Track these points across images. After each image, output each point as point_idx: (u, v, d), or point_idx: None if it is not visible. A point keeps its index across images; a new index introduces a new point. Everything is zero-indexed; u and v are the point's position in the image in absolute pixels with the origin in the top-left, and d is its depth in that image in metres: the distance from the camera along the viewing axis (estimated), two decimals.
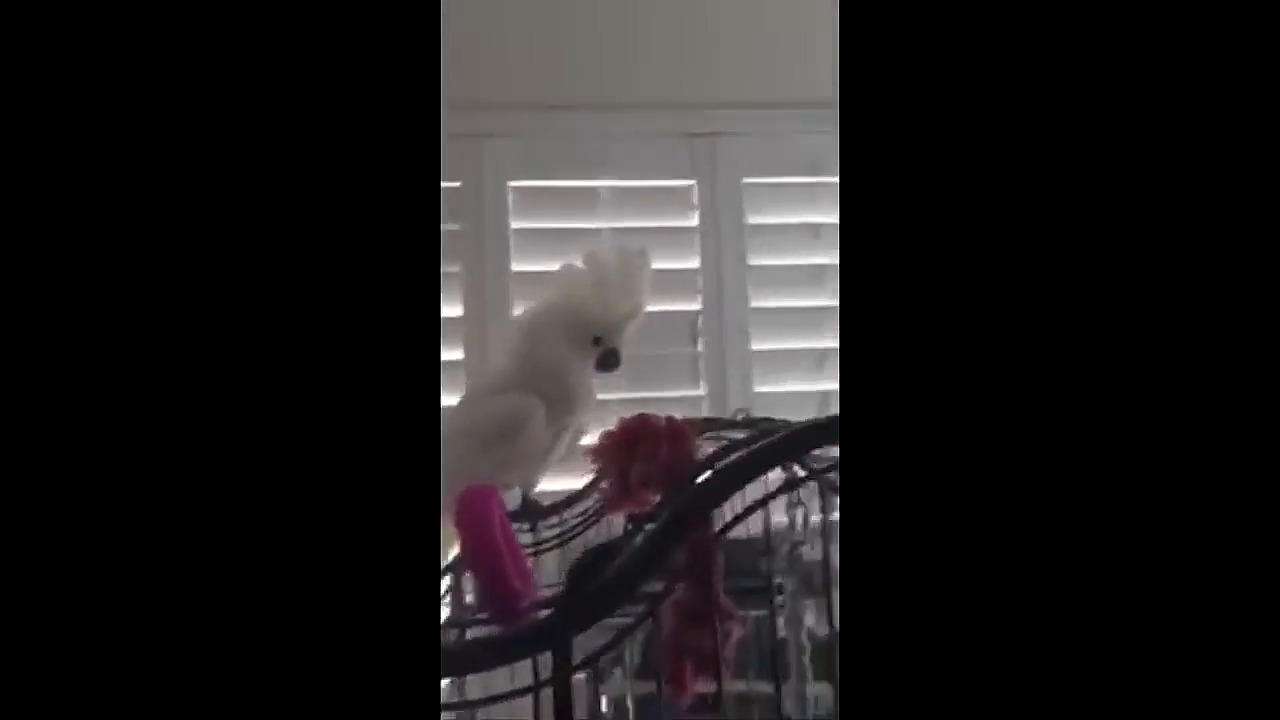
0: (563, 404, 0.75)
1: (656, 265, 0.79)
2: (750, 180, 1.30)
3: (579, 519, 0.80)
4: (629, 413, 0.80)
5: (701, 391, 1.26)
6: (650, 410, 0.78)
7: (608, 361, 0.76)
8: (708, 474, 0.43)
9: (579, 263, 0.76)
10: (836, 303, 1.17)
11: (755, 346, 1.28)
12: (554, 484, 0.85)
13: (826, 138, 1.28)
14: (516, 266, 1.27)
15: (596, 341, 0.75)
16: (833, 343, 1.27)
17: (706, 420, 0.81)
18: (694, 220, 1.30)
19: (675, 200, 1.31)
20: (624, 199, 1.30)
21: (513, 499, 0.76)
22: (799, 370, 1.28)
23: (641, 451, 0.66)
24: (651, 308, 0.77)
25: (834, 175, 1.19)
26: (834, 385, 1.26)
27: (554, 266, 1.21)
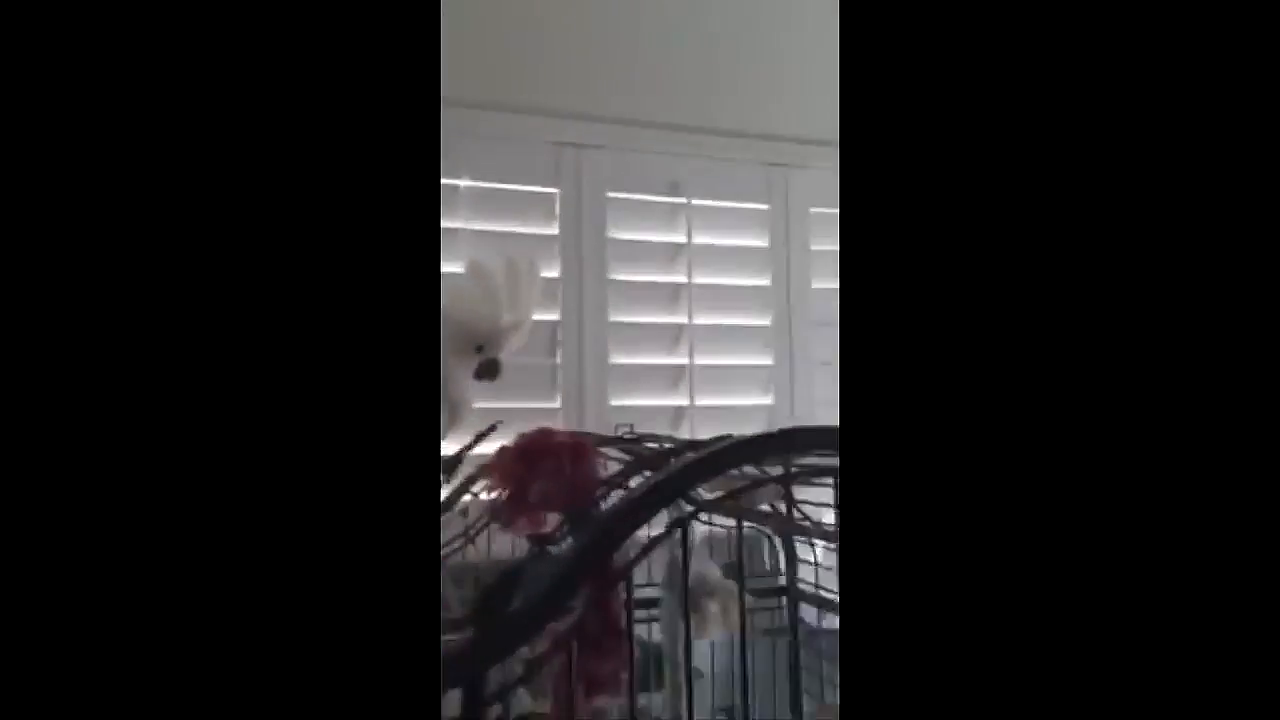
0: (442, 410, 0.71)
1: None
2: (613, 194, 1.31)
3: (459, 536, 0.76)
4: (483, 423, 0.78)
5: (556, 404, 1.25)
6: (502, 419, 0.79)
7: (487, 371, 0.75)
8: (621, 500, 0.42)
9: (463, 270, 0.74)
10: (686, 320, 1.27)
11: (613, 360, 1.28)
12: None
13: (686, 160, 1.34)
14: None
15: (479, 350, 0.74)
16: (684, 359, 1.31)
17: (599, 437, 0.80)
18: (555, 229, 1.28)
19: (538, 207, 1.29)
20: (485, 201, 1.26)
21: None
22: (654, 384, 1.30)
23: (543, 468, 0.64)
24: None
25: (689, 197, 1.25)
26: (685, 400, 1.30)
27: None
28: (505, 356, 0.77)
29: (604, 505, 0.63)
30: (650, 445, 0.78)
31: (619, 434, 0.85)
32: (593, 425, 1.25)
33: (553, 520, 0.65)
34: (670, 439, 0.82)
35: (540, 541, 0.64)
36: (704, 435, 1.26)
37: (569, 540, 0.62)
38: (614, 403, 1.28)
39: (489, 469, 0.67)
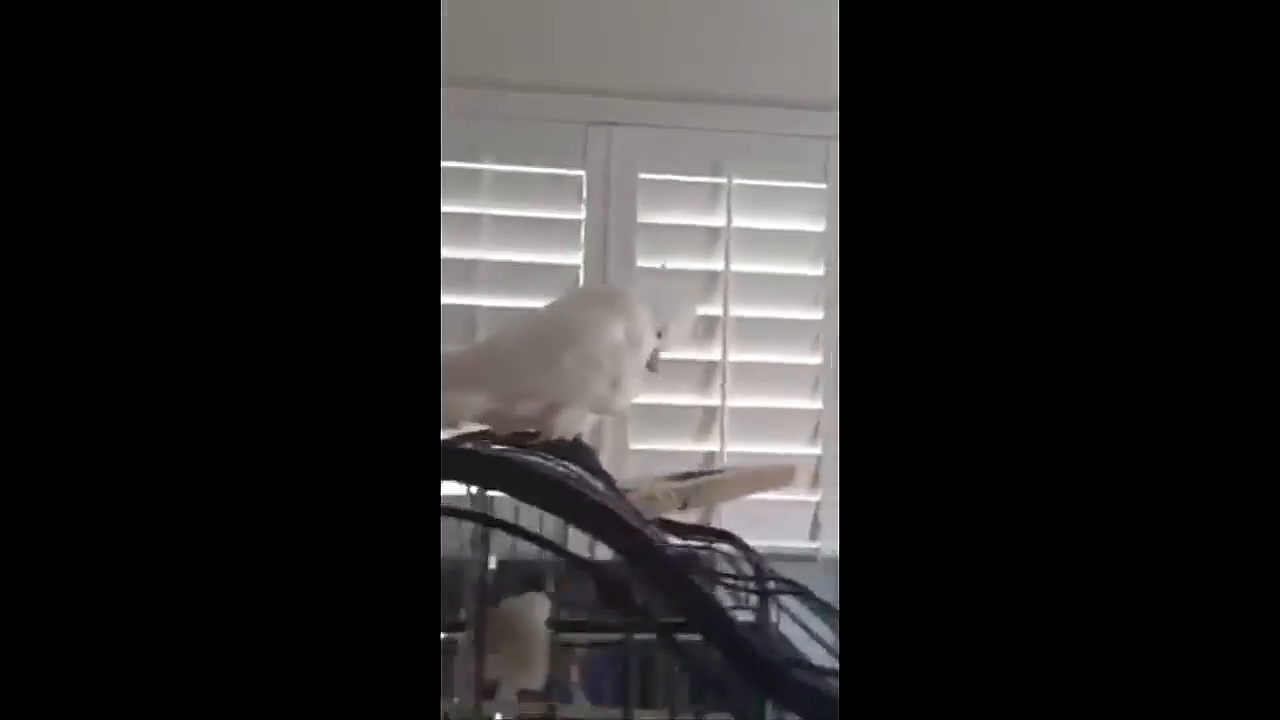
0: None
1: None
2: (646, 175, 1.21)
3: None
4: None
5: None
6: None
7: (656, 359, 0.75)
8: None
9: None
10: (721, 312, 1.16)
11: None
12: None
13: (729, 137, 1.22)
14: None
15: (659, 335, 0.73)
16: (717, 355, 1.19)
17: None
18: (581, 213, 1.20)
19: (563, 190, 1.21)
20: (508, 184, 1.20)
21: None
22: (683, 383, 1.20)
23: None
24: None
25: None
26: (716, 400, 1.19)
27: None
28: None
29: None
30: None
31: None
32: (611, 428, 1.17)
33: None
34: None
35: None
36: (738, 444, 1.19)
37: None
38: (636, 400, 1.19)
39: None
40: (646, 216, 1.21)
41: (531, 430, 0.73)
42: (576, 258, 1.20)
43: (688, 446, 1.19)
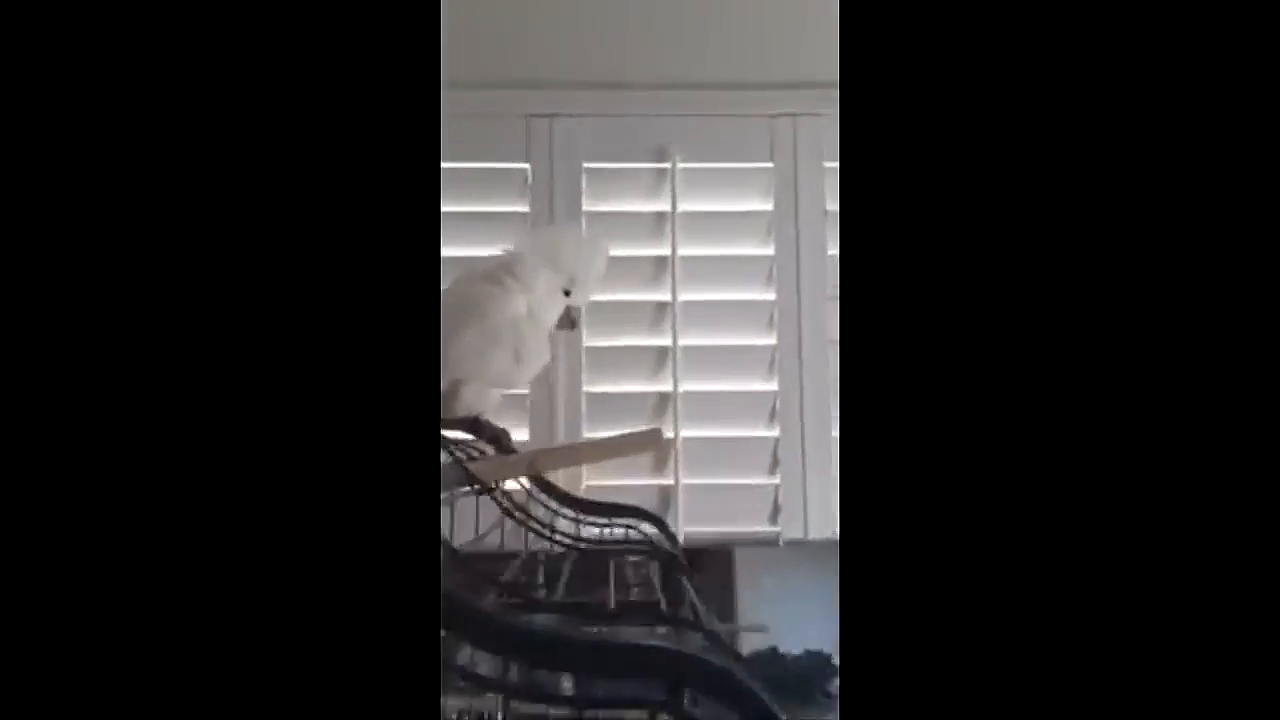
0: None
1: None
2: (591, 165, 1.21)
3: None
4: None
5: (524, 391, 1.18)
6: None
7: (568, 317, 0.81)
8: None
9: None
10: (670, 297, 1.15)
11: (588, 343, 1.19)
12: None
13: (674, 121, 1.21)
14: None
15: (566, 294, 0.80)
16: (668, 340, 1.19)
17: None
18: (525, 206, 1.21)
19: (509, 184, 1.22)
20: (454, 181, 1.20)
21: None
22: (635, 370, 1.20)
23: None
24: None
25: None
26: (668, 386, 1.18)
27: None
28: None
29: None
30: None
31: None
32: (565, 416, 1.17)
33: None
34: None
35: None
36: (693, 428, 1.18)
37: None
38: (589, 389, 1.19)
39: None
40: (592, 205, 1.21)
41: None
42: None
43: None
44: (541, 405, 1.17)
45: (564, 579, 0.51)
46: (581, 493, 1.15)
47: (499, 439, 0.80)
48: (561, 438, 1.16)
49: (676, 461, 1.17)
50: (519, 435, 1.16)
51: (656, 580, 0.58)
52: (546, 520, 0.72)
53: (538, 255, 0.81)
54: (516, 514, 0.54)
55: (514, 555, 0.59)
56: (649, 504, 1.15)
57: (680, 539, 1.17)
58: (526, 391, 1.17)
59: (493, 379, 0.73)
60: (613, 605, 0.46)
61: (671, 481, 1.17)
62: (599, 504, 0.82)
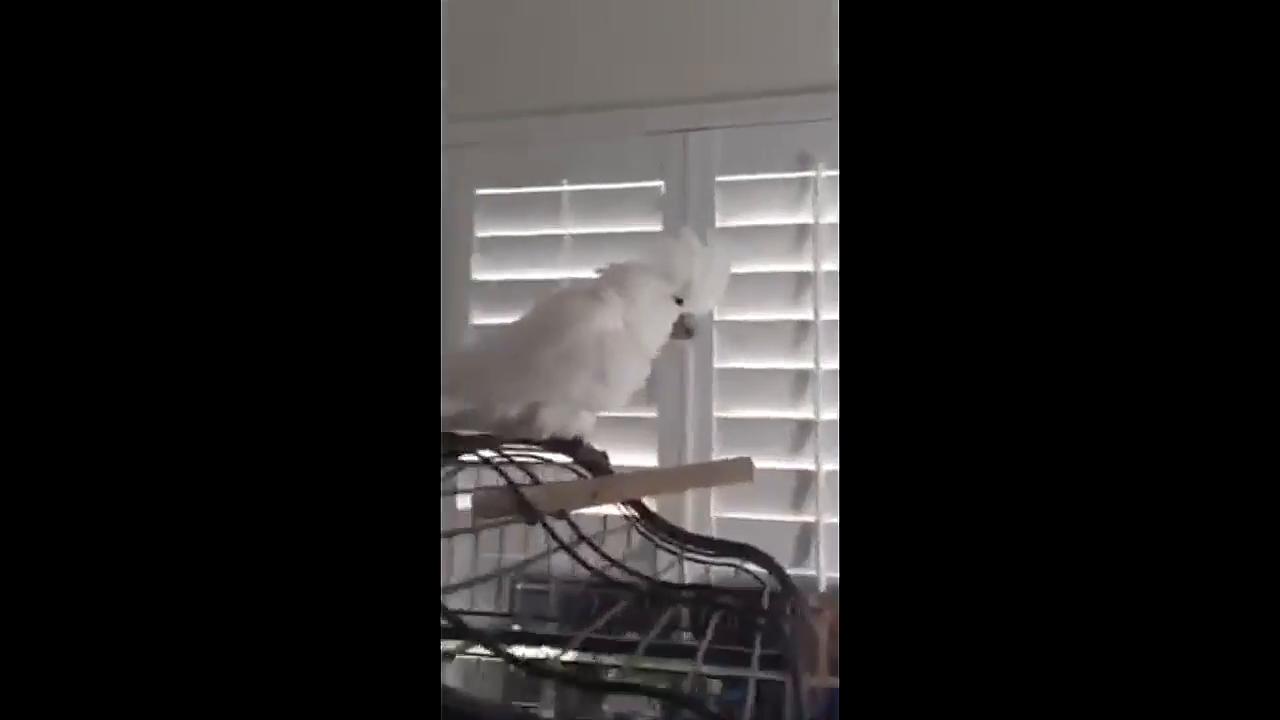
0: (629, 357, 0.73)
1: None
2: (724, 179, 1.15)
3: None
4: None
5: (653, 412, 1.12)
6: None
7: (683, 326, 0.75)
8: None
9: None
10: (813, 316, 1.05)
11: (721, 364, 1.12)
12: None
13: (817, 126, 1.12)
14: (478, 275, 1.22)
15: (679, 302, 0.75)
16: (809, 364, 1.08)
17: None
18: (659, 225, 1.17)
19: (642, 202, 1.18)
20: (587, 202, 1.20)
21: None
22: (772, 394, 1.10)
23: None
24: None
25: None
26: (810, 413, 1.08)
27: (518, 275, 1.17)
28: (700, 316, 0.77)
29: None
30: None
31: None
32: (694, 443, 1.11)
33: None
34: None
35: None
36: (833, 458, 1.06)
37: None
38: (720, 414, 1.11)
39: None
40: (726, 220, 1.15)
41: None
42: None
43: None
44: (671, 430, 1.12)
45: (610, 612, 0.45)
46: (712, 523, 1.08)
47: (597, 463, 0.75)
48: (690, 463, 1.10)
49: (818, 498, 1.07)
50: (648, 460, 1.11)
51: (731, 626, 0.50)
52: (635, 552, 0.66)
53: (647, 265, 0.76)
54: (566, 544, 0.48)
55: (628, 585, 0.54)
56: (787, 542, 1.06)
57: (822, 583, 1.05)
58: (655, 415, 1.12)
59: (576, 401, 0.68)
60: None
61: (813, 519, 1.06)
62: (703, 538, 0.75)
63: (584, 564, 0.49)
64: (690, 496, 1.09)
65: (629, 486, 0.54)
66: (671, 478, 0.60)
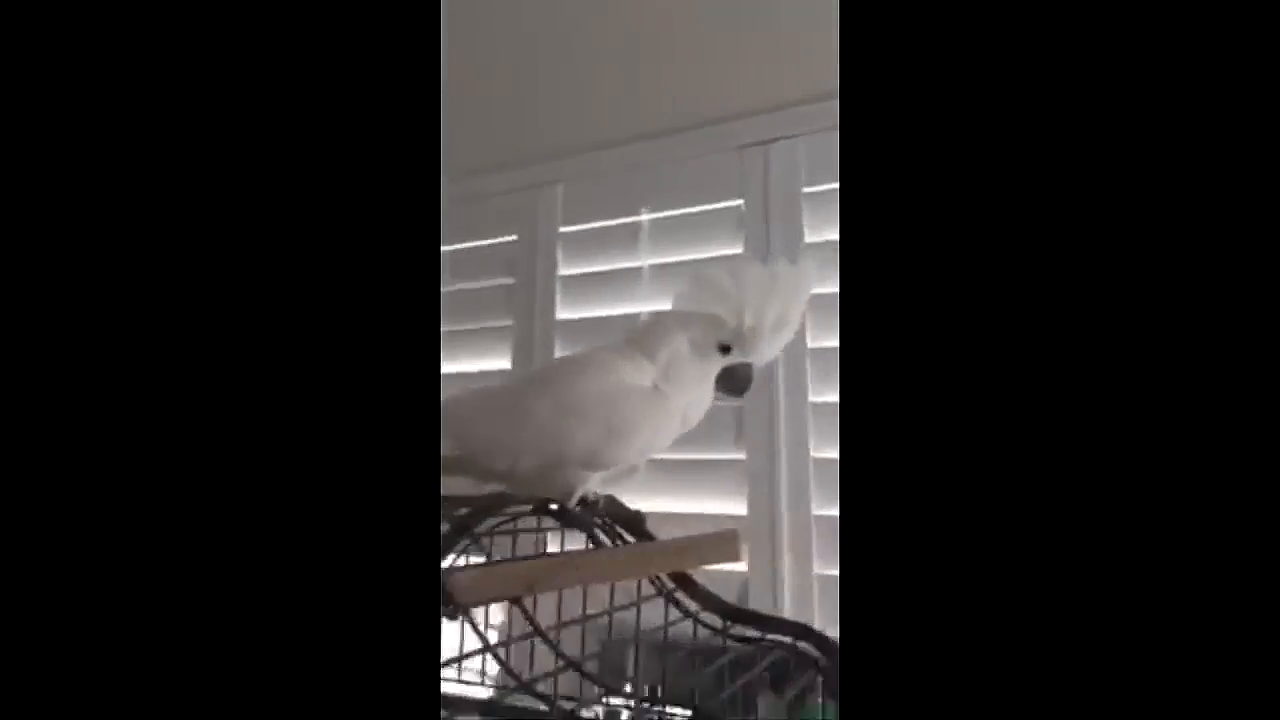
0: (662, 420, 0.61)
1: None
2: (810, 190, 1.03)
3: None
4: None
5: (742, 455, 1.01)
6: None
7: (733, 381, 0.61)
8: None
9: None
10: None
11: (814, 399, 0.99)
12: None
13: None
14: (562, 314, 1.18)
15: (725, 351, 0.61)
16: None
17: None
18: (739, 246, 1.06)
19: (722, 224, 1.09)
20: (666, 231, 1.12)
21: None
22: None
23: None
24: None
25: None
26: None
27: (602, 311, 1.12)
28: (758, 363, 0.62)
29: None
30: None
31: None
32: (788, 489, 0.98)
33: None
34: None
35: None
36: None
37: None
38: (818, 454, 0.98)
39: None
40: (814, 236, 1.03)
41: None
42: None
43: None
44: (762, 474, 1.00)
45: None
46: (813, 583, 0.94)
47: (630, 522, 0.66)
48: (785, 514, 0.97)
49: None
50: (738, 509, 1.00)
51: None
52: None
53: (683, 316, 0.63)
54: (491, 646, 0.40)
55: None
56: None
57: None
58: (743, 457, 1.01)
59: (586, 459, 0.60)
60: None
61: None
62: (751, 613, 0.64)
63: (510, 671, 0.41)
64: (787, 551, 0.96)
65: (575, 574, 0.45)
66: (634, 560, 0.49)
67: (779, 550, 0.97)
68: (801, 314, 0.62)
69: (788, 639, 0.61)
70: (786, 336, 0.63)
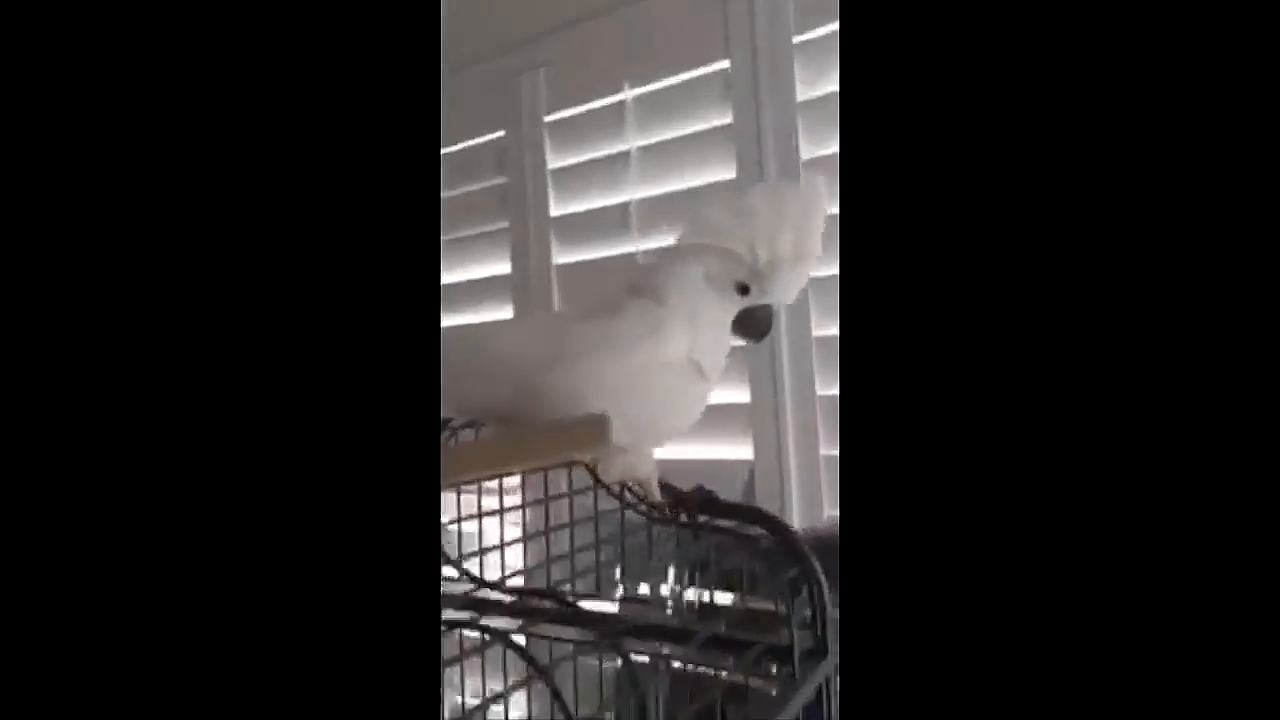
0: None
1: None
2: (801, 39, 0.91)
3: None
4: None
5: (745, 396, 0.94)
6: None
7: (753, 323, 0.54)
8: None
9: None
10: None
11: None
12: None
13: None
14: (557, 210, 1.12)
15: (744, 291, 0.53)
16: None
17: None
18: (728, 118, 0.96)
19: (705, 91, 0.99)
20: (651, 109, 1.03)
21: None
22: None
23: None
24: None
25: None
26: None
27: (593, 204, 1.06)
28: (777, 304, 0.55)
29: None
30: None
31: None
32: (795, 421, 0.90)
33: None
34: None
35: None
36: None
37: None
38: (824, 392, 0.89)
39: None
40: (808, 92, 0.92)
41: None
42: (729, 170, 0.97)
43: None
44: (766, 414, 0.93)
45: None
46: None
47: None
48: (793, 456, 0.90)
49: None
50: (744, 454, 0.94)
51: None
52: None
53: (697, 247, 0.54)
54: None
55: None
56: None
57: None
58: (746, 399, 0.93)
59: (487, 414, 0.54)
60: None
61: None
62: (719, 503, 0.59)
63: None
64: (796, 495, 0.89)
65: (470, 461, 0.40)
66: (503, 448, 0.44)
67: (788, 495, 0.90)
68: (819, 240, 0.53)
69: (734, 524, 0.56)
70: (808, 269, 0.53)
